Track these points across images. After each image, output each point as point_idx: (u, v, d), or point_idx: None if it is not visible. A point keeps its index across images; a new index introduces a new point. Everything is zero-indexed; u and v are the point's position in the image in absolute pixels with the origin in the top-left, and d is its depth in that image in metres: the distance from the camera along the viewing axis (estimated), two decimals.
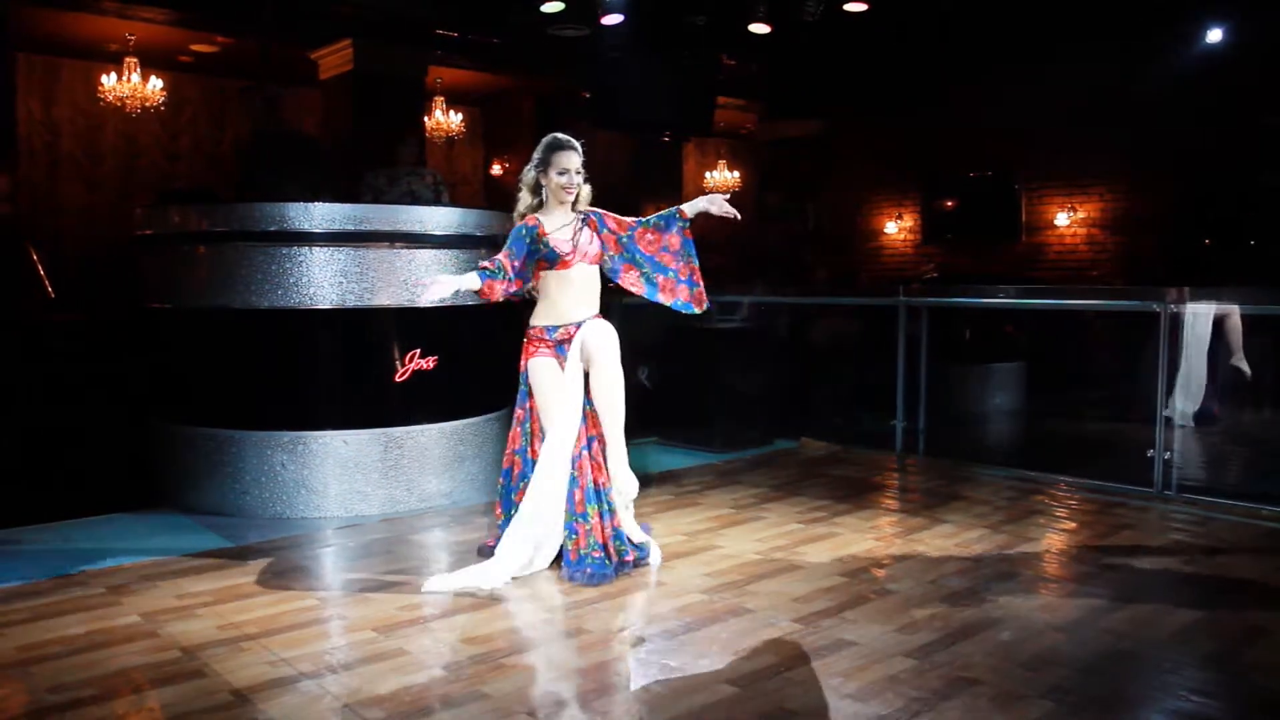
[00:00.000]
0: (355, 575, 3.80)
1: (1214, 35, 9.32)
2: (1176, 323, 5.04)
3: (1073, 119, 10.50)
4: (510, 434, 3.94)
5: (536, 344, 3.85)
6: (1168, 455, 5.04)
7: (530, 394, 3.86)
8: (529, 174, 3.86)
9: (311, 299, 4.65)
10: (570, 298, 3.83)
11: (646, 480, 5.49)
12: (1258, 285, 6.43)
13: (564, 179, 3.79)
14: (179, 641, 3.04)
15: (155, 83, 9.98)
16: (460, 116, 11.86)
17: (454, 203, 7.57)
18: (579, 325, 3.81)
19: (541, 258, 3.78)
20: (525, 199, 3.88)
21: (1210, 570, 3.84)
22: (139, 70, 9.84)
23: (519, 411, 3.91)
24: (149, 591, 3.53)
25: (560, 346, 3.80)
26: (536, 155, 3.86)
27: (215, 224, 4.70)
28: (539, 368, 3.82)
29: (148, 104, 9.94)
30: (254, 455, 4.66)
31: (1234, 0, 8.95)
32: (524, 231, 3.79)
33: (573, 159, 3.81)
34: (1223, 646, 3.06)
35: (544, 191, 3.84)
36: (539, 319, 3.86)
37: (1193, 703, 2.66)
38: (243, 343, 4.72)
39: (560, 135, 3.86)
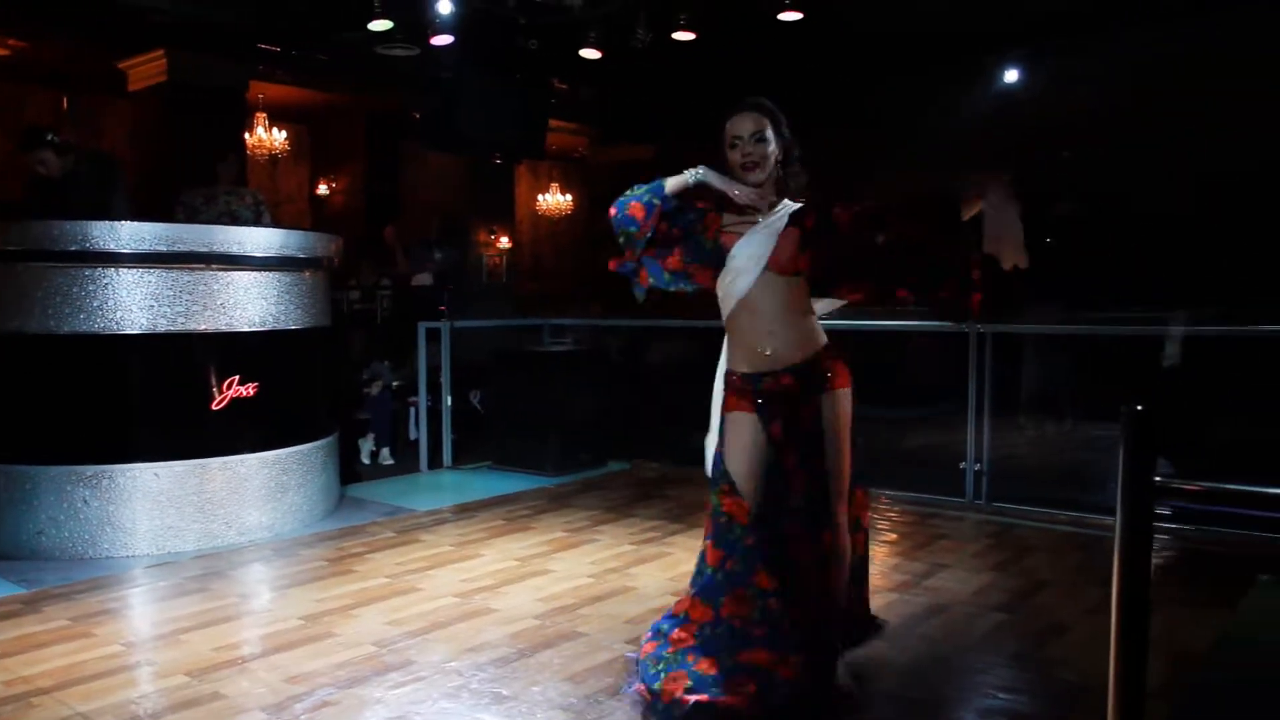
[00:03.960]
0: (166, 616, 3.57)
1: (1010, 75, 10.01)
2: (984, 342, 5.36)
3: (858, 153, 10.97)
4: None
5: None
6: (978, 467, 5.35)
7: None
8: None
9: (118, 324, 4.37)
10: None
11: (478, 506, 5.41)
12: (1052, 308, 6.94)
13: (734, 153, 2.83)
14: None
15: None
16: (284, 134, 11.45)
17: (276, 223, 7.29)
18: None
19: None
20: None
21: (1015, 573, 4.09)
22: None
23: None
24: None
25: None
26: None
27: (8, 242, 4.35)
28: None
29: None
30: (51, 492, 4.32)
31: (1024, 39, 9.63)
32: None
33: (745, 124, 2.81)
34: (1027, 645, 3.26)
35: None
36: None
37: (1001, 700, 2.82)
38: (39, 371, 4.39)
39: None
